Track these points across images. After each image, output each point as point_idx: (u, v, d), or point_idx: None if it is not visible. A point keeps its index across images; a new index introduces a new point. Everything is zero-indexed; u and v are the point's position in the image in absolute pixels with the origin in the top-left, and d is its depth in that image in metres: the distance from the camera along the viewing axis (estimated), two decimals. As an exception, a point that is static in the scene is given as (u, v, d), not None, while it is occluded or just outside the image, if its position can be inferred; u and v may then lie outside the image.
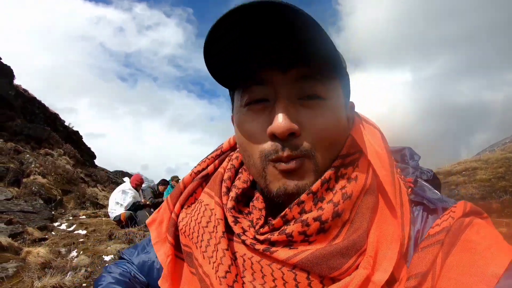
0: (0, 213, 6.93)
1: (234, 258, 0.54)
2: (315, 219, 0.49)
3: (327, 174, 0.52)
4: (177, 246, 0.65)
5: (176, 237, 0.65)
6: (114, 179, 17.46)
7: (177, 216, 0.67)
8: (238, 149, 0.68)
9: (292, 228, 0.50)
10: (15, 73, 13.62)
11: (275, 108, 0.51)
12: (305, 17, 0.44)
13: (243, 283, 0.51)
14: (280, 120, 0.49)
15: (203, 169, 0.71)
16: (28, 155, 11.44)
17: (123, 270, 0.75)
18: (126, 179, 8.83)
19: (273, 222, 0.53)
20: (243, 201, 0.62)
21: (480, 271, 0.44)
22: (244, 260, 0.53)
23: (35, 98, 15.02)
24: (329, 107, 0.53)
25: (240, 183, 0.62)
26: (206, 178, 0.69)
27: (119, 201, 7.27)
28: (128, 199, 7.28)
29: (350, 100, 0.63)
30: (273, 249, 0.50)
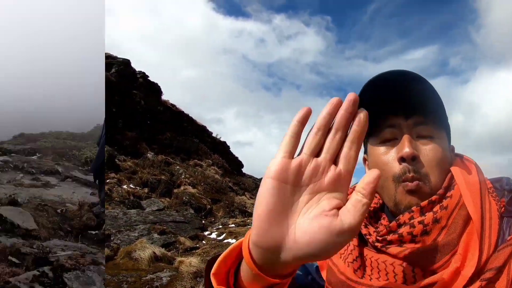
0: (153, 224, 7.29)
1: (361, 257, 0.76)
2: (419, 222, 0.67)
3: (433, 198, 0.70)
4: None
5: None
6: (262, 186, 17.09)
7: None
8: None
9: (403, 229, 0.68)
10: (162, 89, 14.52)
11: (402, 142, 0.73)
12: (425, 84, 0.70)
13: (364, 272, 0.73)
14: (407, 148, 0.70)
15: None
16: (178, 167, 12.23)
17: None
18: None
19: (390, 225, 0.73)
20: (374, 219, 0.83)
21: None
22: (367, 259, 0.74)
23: (182, 112, 16.13)
24: (438, 144, 0.74)
25: (372, 204, 0.82)
26: None
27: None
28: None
29: (452, 144, 0.85)
30: (388, 246, 0.70)
